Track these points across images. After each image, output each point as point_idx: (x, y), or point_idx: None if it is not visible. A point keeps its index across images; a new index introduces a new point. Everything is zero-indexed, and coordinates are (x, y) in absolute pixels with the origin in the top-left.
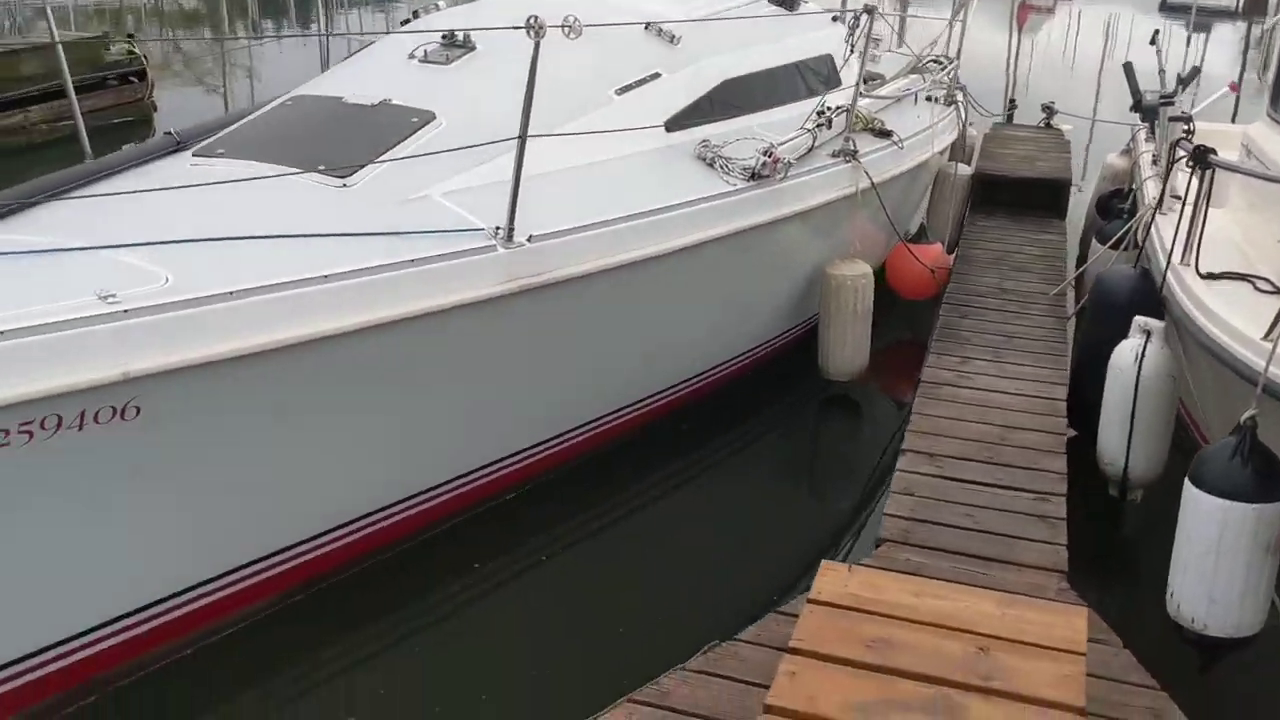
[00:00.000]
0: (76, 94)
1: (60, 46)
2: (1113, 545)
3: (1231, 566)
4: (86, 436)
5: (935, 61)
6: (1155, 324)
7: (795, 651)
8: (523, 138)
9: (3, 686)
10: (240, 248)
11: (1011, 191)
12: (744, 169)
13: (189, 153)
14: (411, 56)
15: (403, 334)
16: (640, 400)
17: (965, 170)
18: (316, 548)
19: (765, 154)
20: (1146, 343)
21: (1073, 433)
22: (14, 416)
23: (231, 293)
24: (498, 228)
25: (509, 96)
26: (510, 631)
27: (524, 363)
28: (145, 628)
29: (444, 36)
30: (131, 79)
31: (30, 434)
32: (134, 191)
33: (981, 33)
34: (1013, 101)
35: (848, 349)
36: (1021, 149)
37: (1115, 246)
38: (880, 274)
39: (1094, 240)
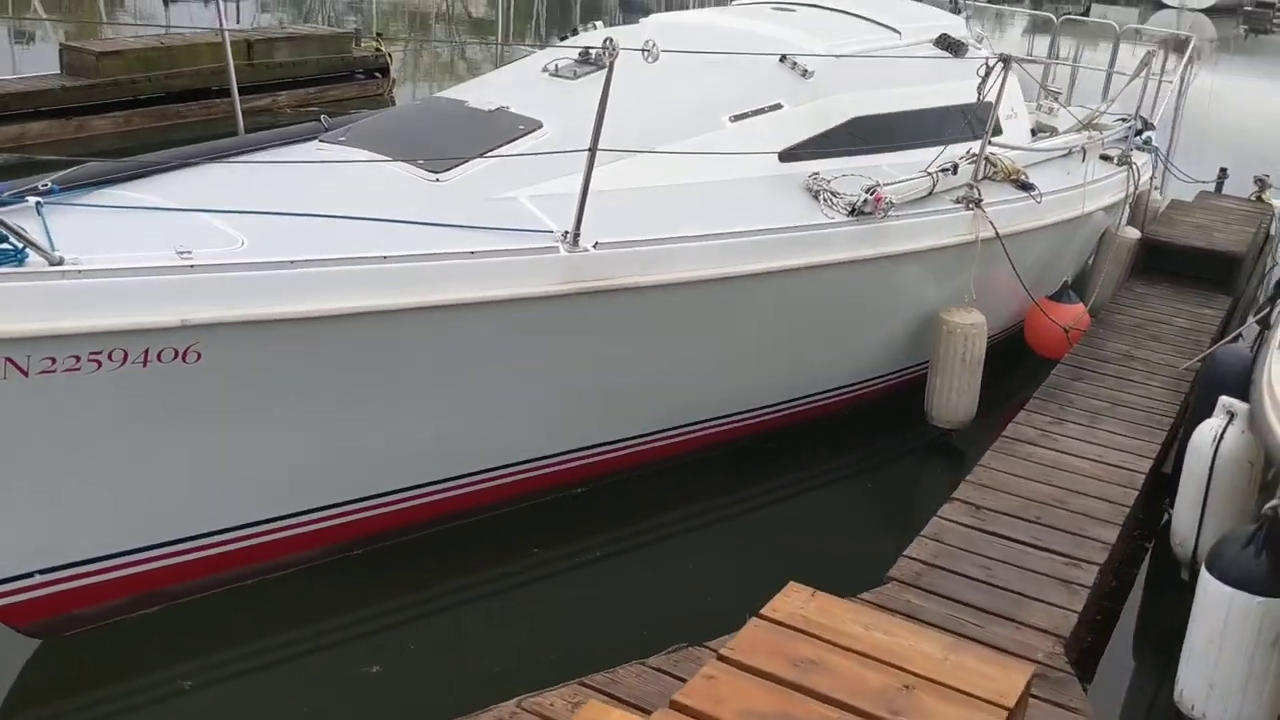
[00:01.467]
0: (326, 84)
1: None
2: (1166, 633)
3: (1234, 657)
4: (150, 373)
5: (1123, 120)
6: (1239, 405)
7: (723, 659)
8: (593, 150)
9: (76, 582)
10: (321, 223)
11: (1180, 261)
12: (847, 204)
13: (317, 139)
14: (545, 70)
15: (456, 319)
16: (717, 417)
17: (1133, 234)
18: (366, 509)
19: (869, 191)
20: (1227, 424)
21: (1166, 513)
22: (84, 345)
23: (292, 261)
24: (566, 232)
25: (615, 113)
26: (544, 615)
27: (589, 363)
28: (203, 554)
29: (581, 53)
30: (376, 74)
31: (99, 363)
32: (257, 150)
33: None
34: (1224, 170)
35: (955, 396)
36: (1205, 218)
37: (1262, 324)
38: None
39: (1250, 317)
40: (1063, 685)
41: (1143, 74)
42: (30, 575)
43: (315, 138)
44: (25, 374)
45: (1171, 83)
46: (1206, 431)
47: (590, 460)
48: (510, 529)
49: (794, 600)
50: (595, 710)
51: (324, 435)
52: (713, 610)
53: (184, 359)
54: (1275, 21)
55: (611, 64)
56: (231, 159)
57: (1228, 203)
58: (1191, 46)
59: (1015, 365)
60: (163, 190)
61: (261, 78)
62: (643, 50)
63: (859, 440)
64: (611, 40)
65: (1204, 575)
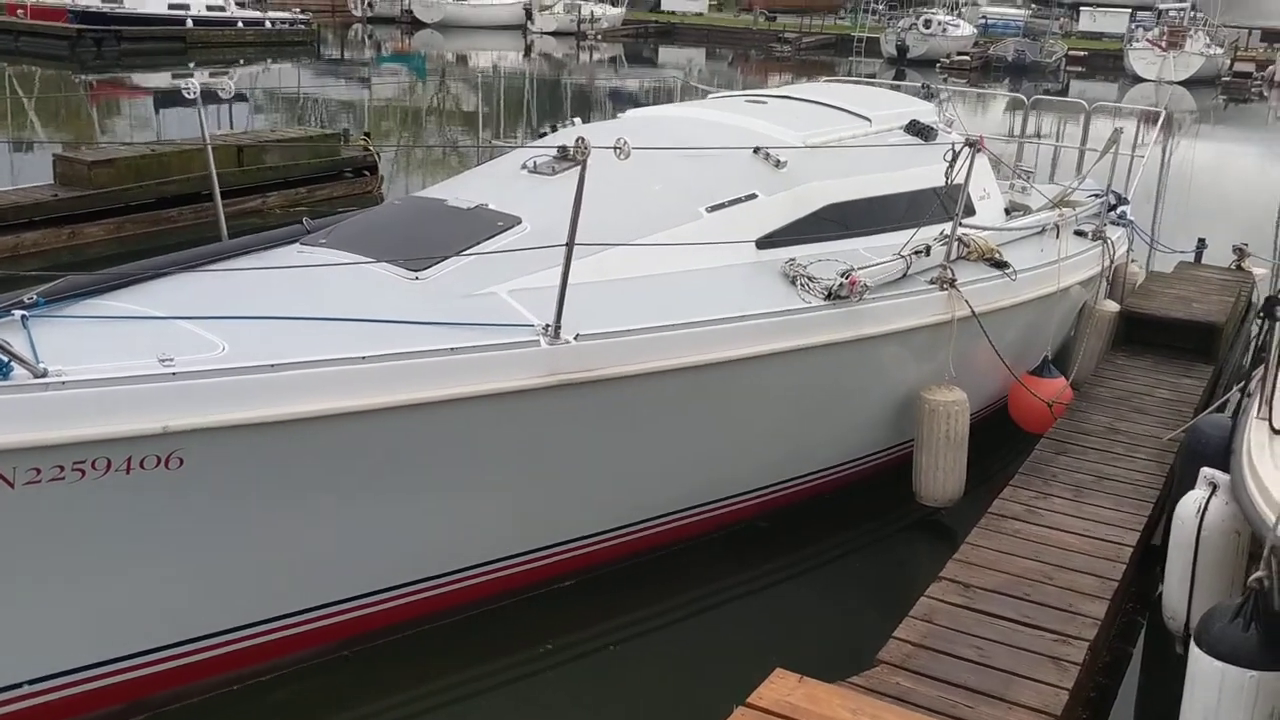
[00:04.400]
0: (315, 183)
1: (210, 149)
2: (1159, 704)
3: None
4: (133, 480)
5: (1096, 195)
6: (1221, 476)
7: None
8: (570, 244)
9: (66, 692)
10: (302, 325)
11: (1161, 332)
12: (824, 288)
13: (298, 242)
14: (524, 167)
15: (439, 417)
16: (703, 504)
17: (1112, 307)
18: (353, 610)
19: (844, 275)
20: (1210, 496)
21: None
22: (69, 455)
23: (272, 365)
24: (547, 325)
25: (594, 207)
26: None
27: (573, 456)
28: (187, 660)
29: (558, 150)
30: (365, 172)
31: (82, 472)
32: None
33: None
34: (1202, 241)
35: (941, 475)
36: (1184, 289)
37: (1244, 393)
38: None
39: (1234, 387)
40: None
41: (1112, 150)
42: (19, 686)
43: (296, 241)
44: (11, 485)
45: (1143, 157)
46: (1190, 503)
47: (576, 554)
48: (493, 626)
49: (780, 688)
50: None
51: (310, 537)
52: (699, 699)
53: (166, 465)
54: (1253, 90)
55: (584, 163)
56: (212, 266)
57: (1207, 272)
58: (1161, 120)
59: (1001, 441)
60: (145, 299)
61: (251, 180)
62: (614, 149)
63: (847, 521)
64: (583, 140)
65: (1194, 650)
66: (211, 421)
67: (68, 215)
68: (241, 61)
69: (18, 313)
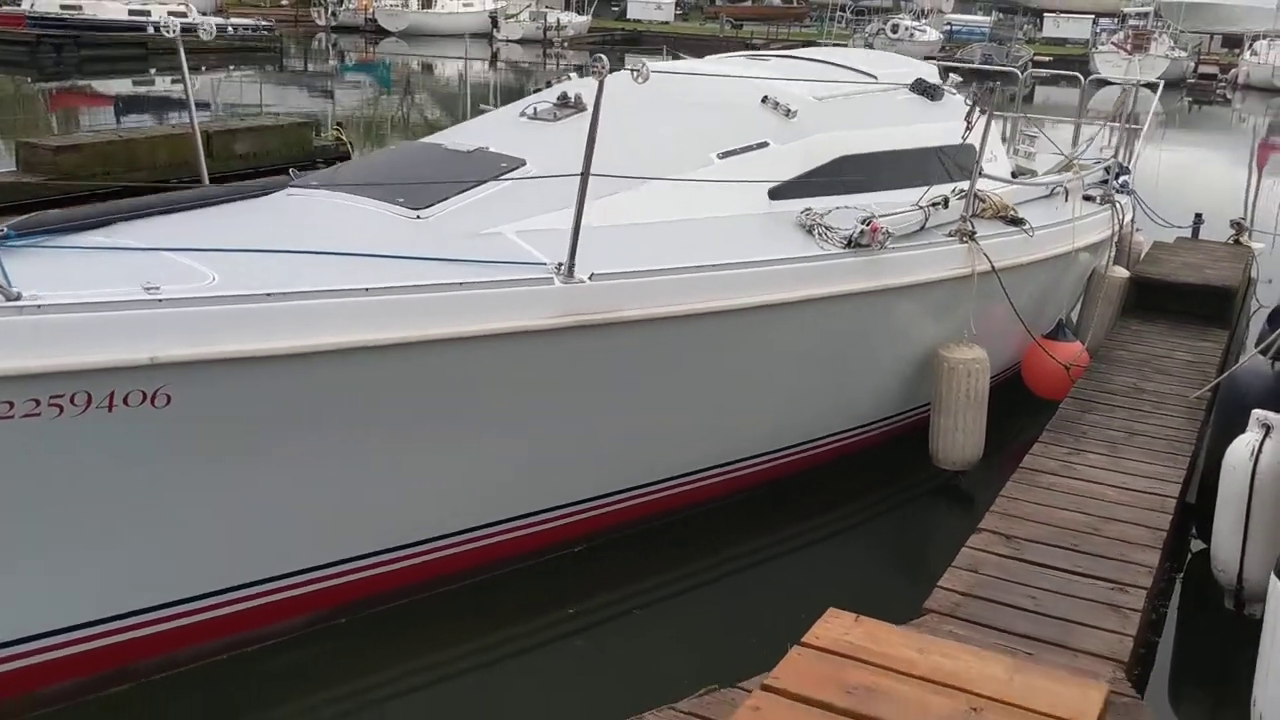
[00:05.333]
0: (285, 174)
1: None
2: (1214, 664)
3: None
4: (116, 419)
5: (1100, 164)
6: (1275, 418)
7: (767, 689)
8: (585, 174)
9: (39, 657)
10: (297, 260)
11: (1172, 298)
12: (843, 236)
13: (287, 187)
14: (523, 114)
15: (445, 357)
16: (718, 465)
17: (1122, 273)
18: (359, 570)
19: (864, 222)
20: (1265, 438)
21: (1197, 544)
22: (45, 387)
23: (268, 294)
24: (559, 264)
25: (602, 150)
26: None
27: (587, 409)
28: (174, 624)
29: (559, 98)
30: (335, 161)
31: (60, 408)
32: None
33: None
34: (1199, 216)
35: (960, 436)
36: (1191, 258)
37: (1266, 352)
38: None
39: (1249, 346)
40: (1132, 710)
41: (1118, 115)
42: None
43: (284, 188)
44: None
45: (1142, 129)
46: (1242, 449)
47: (588, 515)
48: (502, 592)
49: (837, 627)
50: None
51: (306, 490)
52: (736, 655)
53: (153, 402)
54: (1218, 92)
55: (602, 82)
56: (198, 207)
57: (1207, 246)
58: (1159, 92)
59: (1015, 409)
60: (126, 236)
61: (221, 168)
62: (633, 71)
63: (863, 487)
64: (601, 57)
65: (1275, 586)
66: (202, 353)
67: (32, 201)
68: (204, 69)
69: None
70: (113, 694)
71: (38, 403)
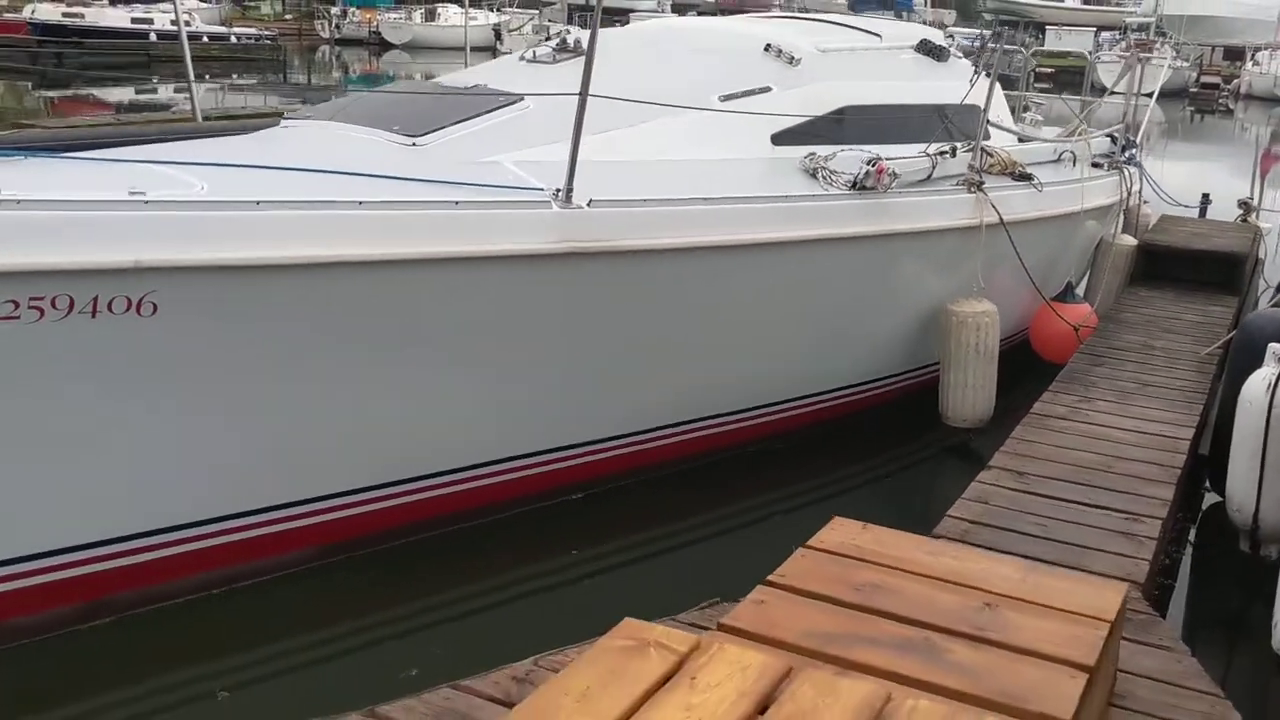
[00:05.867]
0: None
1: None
2: (1231, 602)
3: None
4: (99, 325)
5: (1110, 137)
6: None
7: (771, 584)
8: (583, 94)
9: (16, 584)
10: (290, 179)
11: (1181, 265)
12: (848, 179)
13: (280, 121)
14: (522, 59)
15: (438, 278)
16: (720, 415)
17: (1129, 241)
18: (348, 507)
19: (869, 164)
20: None
21: (1211, 498)
22: (24, 288)
23: (258, 202)
24: (558, 190)
25: (603, 85)
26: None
27: (581, 347)
28: (154, 555)
29: (558, 43)
30: None
31: (40, 311)
32: (216, 136)
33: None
34: (1206, 196)
35: (971, 392)
36: (1198, 228)
37: None
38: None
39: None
40: (1150, 626)
41: (1127, 77)
42: None
43: (277, 124)
44: None
45: (1150, 102)
46: (1259, 383)
47: (584, 460)
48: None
49: (843, 532)
50: (632, 626)
51: (298, 414)
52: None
53: (138, 311)
54: (1220, 101)
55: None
56: (192, 138)
57: (1215, 222)
58: (1167, 66)
59: (1024, 375)
60: (116, 155)
61: None
62: None
63: (870, 445)
64: None
65: None
66: (190, 259)
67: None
68: (207, 76)
69: None
70: (89, 628)
71: (16, 305)
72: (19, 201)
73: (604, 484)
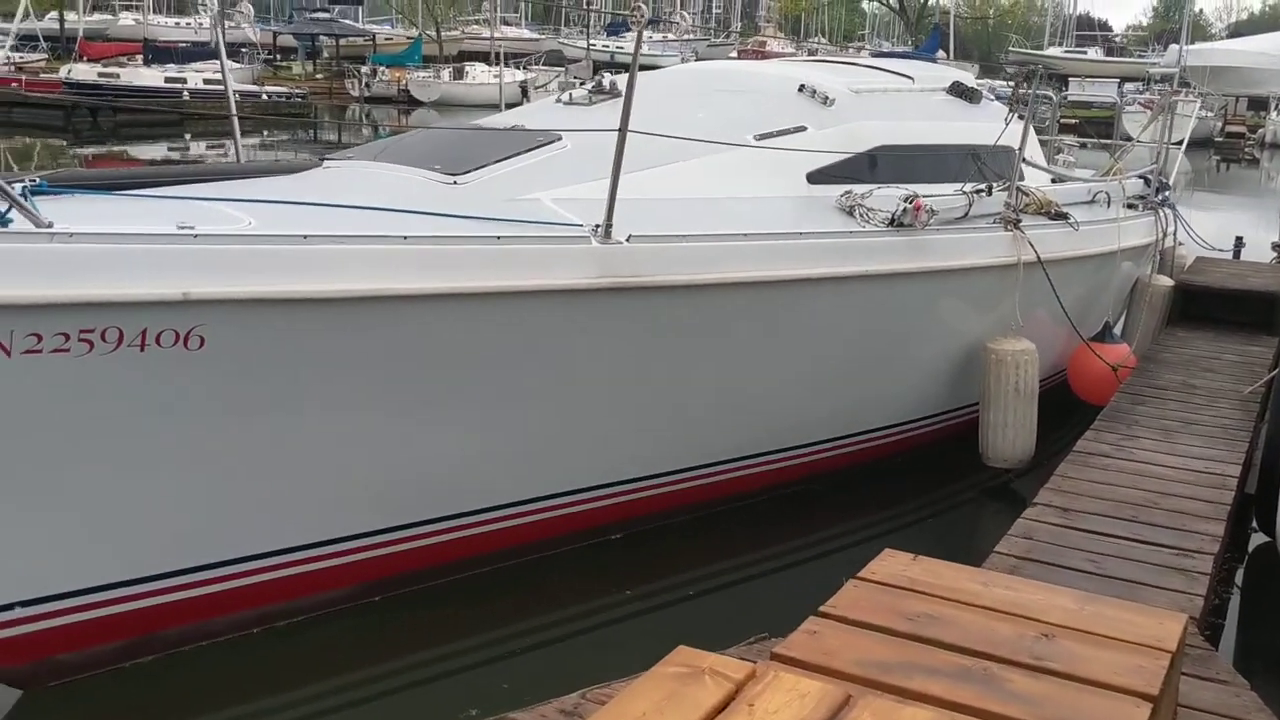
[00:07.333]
0: None
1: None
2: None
3: None
4: (148, 359)
5: (1144, 179)
6: None
7: (823, 615)
8: (623, 130)
9: (64, 619)
10: (334, 215)
11: (1218, 305)
12: (885, 217)
13: (323, 162)
14: (558, 101)
15: (479, 312)
16: (759, 454)
17: (1166, 282)
18: (386, 545)
19: (907, 200)
20: None
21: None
22: (74, 320)
23: (305, 236)
24: (597, 225)
25: (639, 125)
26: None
27: (618, 382)
28: (201, 591)
29: (594, 85)
30: None
31: (90, 344)
32: (259, 175)
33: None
34: (1239, 239)
35: (1010, 432)
36: (1234, 269)
37: None
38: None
39: None
40: (1206, 661)
41: (1159, 120)
42: (10, 608)
43: (319, 164)
44: (8, 353)
45: (1181, 145)
46: None
47: (620, 500)
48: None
49: (894, 564)
50: (686, 654)
51: (340, 449)
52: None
53: (186, 344)
54: (1246, 150)
55: (640, 32)
56: (236, 178)
57: (1250, 263)
58: (1198, 106)
59: (1063, 418)
60: (162, 194)
61: None
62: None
63: (908, 487)
64: (641, 5)
65: None
66: (237, 292)
67: None
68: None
69: (18, 185)
70: (135, 665)
71: (66, 338)
72: (71, 234)
73: (638, 524)
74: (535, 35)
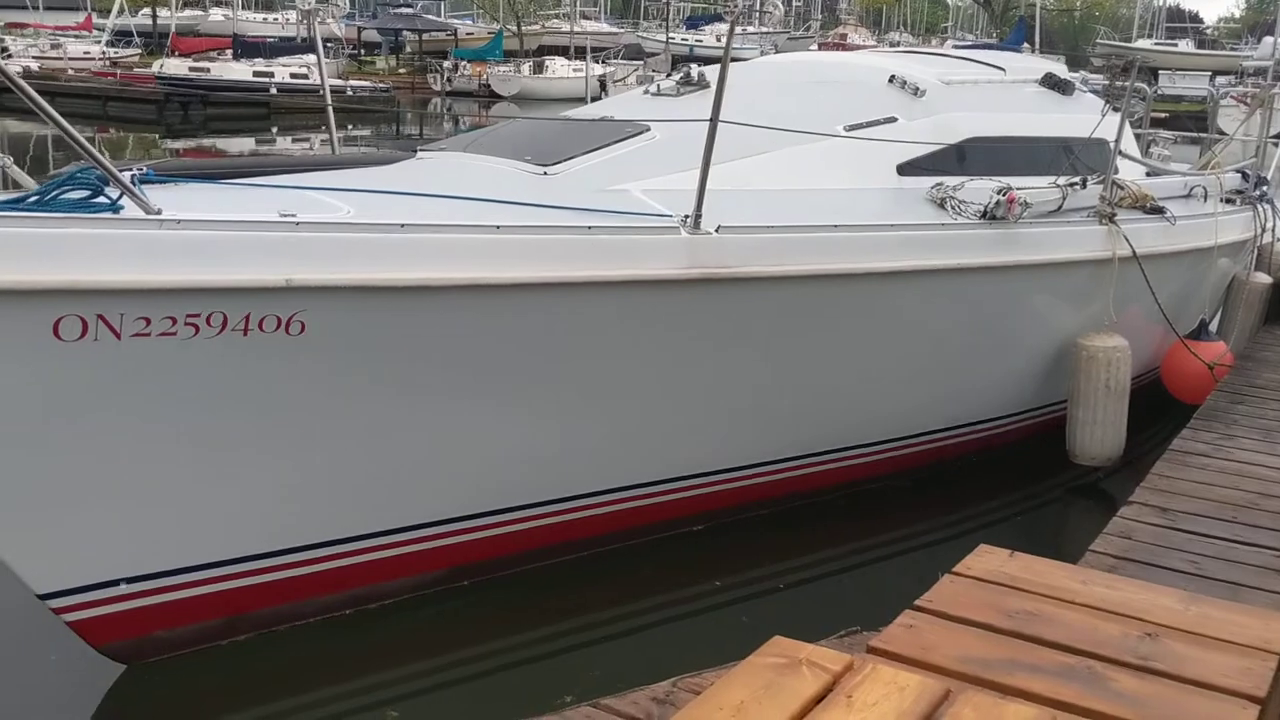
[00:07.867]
0: None
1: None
2: None
3: None
4: (250, 344)
5: (1242, 174)
6: None
7: (919, 609)
8: (714, 120)
9: (166, 596)
10: (430, 204)
11: None
12: (978, 209)
13: (416, 152)
14: (646, 92)
15: (571, 301)
16: (847, 448)
17: (1264, 279)
18: (494, 526)
19: (1000, 193)
20: None
21: None
22: (181, 305)
23: (403, 225)
24: (686, 216)
25: (729, 116)
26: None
27: (706, 378)
28: (295, 572)
29: (682, 77)
30: None
31: (195, 328)
32: (355, 166)
33: None
34: None
35: (1100, 429)
36: None
37: None
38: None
39: None
40: None
41: (1259, 111)
42: (116, 584)
43: (414, 155)
44: (118, 335)
45: (1278, 151)
46: None
47: (710, 490)
48: (626, 559)
49: (991, 560)
50: (782, 644)
51: (435, 434)
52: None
53: (287, 329)
54: None
55: (733, 24)
56: (332, 169)
57: None
58: None
59: (1155, 416)
60: (263, 183)
61: None
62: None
63: (994, 485)
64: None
65: None
66: (337, 279)
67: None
68: (322, 127)
69: (127, 173)
70: (232, 643)
71: (174, 321)
72: (179, 221)
73: (721, 516)
74: (614, 29)
